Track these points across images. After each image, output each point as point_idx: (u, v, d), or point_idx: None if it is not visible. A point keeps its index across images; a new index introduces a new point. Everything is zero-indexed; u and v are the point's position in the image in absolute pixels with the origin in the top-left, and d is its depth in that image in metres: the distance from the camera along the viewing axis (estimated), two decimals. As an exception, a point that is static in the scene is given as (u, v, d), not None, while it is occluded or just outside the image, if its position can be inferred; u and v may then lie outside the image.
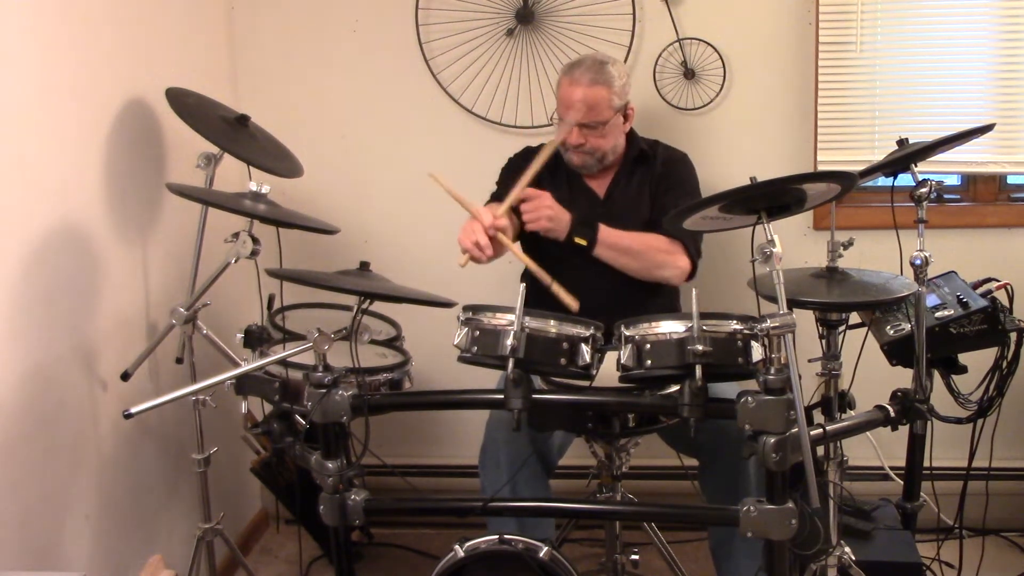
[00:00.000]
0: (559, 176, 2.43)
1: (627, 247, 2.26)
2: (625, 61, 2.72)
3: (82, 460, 2.05)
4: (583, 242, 2.23)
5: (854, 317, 2.20)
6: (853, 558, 2.10)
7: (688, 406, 1.62)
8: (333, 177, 2.87)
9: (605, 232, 2.24)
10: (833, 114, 2.72)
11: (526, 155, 2.51)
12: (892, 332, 2.14)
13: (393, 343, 2.27)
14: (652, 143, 2.49)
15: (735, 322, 1.61)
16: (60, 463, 1.96)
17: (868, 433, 2.71)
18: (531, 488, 2.11)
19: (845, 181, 1.63)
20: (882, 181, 2.20)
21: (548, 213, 2.19)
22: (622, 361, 1.66)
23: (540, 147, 2.41)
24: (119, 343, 2.18)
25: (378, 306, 1.90)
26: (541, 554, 1.73)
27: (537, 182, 2.38)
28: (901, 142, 2.18)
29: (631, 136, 2.44)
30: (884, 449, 2.79)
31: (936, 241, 2.16)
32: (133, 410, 1.77)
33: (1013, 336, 2.17)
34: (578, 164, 2.39)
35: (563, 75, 2.35)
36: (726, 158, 2.76)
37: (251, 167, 2.21)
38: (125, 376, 2.15)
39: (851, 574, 2.09)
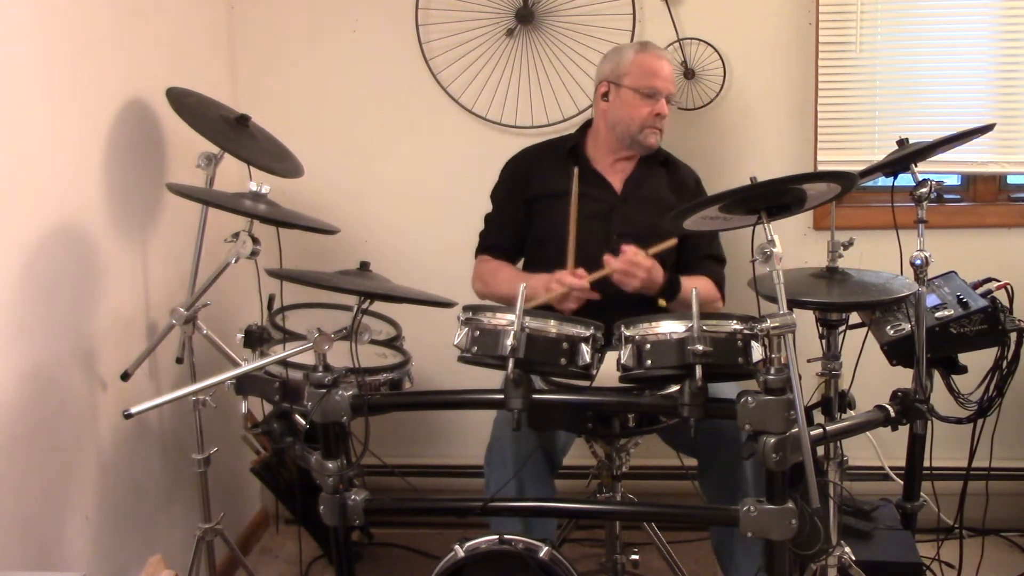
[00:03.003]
0: (570, 166, 2.38)
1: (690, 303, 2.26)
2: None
3: (82, 460, 2.05)
4: (663, 303, 2.23)
5: (854, 317, 2.20)
6: (853, 558, 2.10)
7: (688, 406, 1.62)
8: (333, 177, 2.87)
9: (682, 292, 2.25)
10: (833, 114, 2.72)
11: (523, 156, 2.50)
12: (892, 332, 2.14)
13: (393, 343, 2.27)
14: (665, 152, 2.50)
15: (735, 322, 1.61)
16: (60, 463, 1.96)
17: (868, 433, 2.71)
18: (536, 486, 2.11)
19: (845, 181, 1.63)
20: (882, 181, 2.20)
21: (644, 276, 2.16)
22: (622, 361, 1.66)
23: (538, 146, 2.42)
24: (119, 343, 2.18)
25: (378, 306, 1.90)
26: (541, 554, 1.73)
27: (549, 173, 2.38)
28: (901, 142, 2.18)
29: None
30: (884, 449, 2.79)
31: (936, 241, 2.16)
32: (133, 410, 1.77)
33: (1013, 336, 2.16)
34: (652, 145, 2.40)
35: (640, 52, 2.38)
36: (726, 158, 2.76)
37: (251, 167, 2.21)
38: (125, 376, 2.15)
39: (851, 574, 2.09)
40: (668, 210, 2.27)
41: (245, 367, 1.92)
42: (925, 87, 2.70)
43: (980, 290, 2.20)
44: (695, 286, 2.23)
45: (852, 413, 2.06)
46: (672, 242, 2.18)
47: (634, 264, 2.15)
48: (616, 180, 2.43)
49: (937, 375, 2.21)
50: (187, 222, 2.31)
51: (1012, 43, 2.66)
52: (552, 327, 1.67)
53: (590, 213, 2.36)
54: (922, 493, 2.37)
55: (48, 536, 1.92)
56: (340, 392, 1.75)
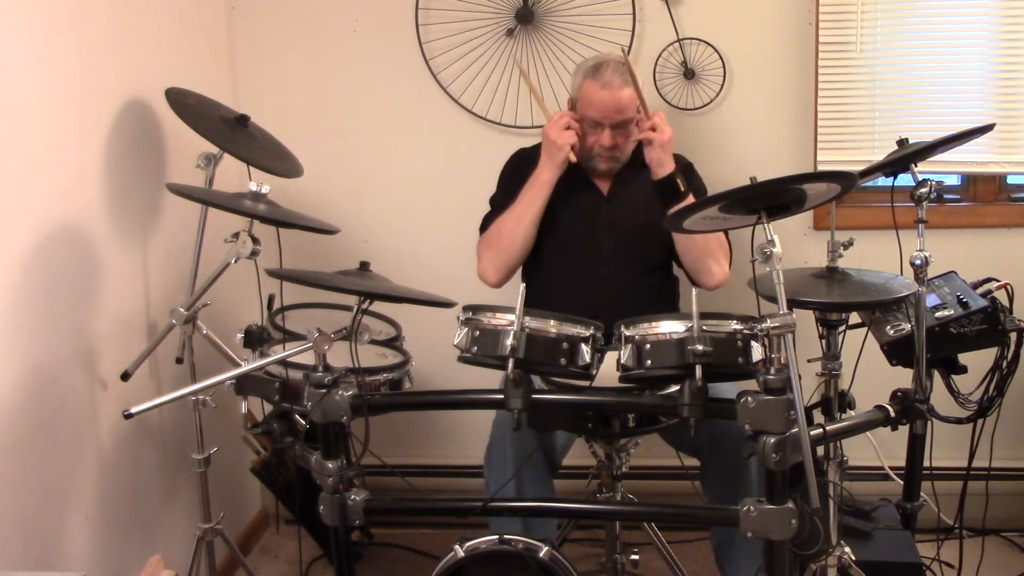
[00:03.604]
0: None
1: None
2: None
3: (82, 460, 2.05)
4: (682, 187, 2.26)
5: (854, 317, 2.20)
6: (853, 558, 2.10)
7: (688, 406, 1.62)
8: (333, 177, 2.87)
9: (691, 198, 2.27)
10: (833, 114, 2.72)
11: (520, 157, 2.50)
12: (892, 332, 2.14)
13: (393, 343, 2.27)
14: None
15: (735, 322, 1.61)
16: (60, 463, 1.96)
17: (868, 433, 2.71)
18: (535, 486, 2.11)
19: (845, 181, 1.63)
20: (882, 181, 2.20)
21: (670, 133, 2.28)
22: (622, 361, 1.66)
23: (535, 148, 2.42)
24: (119, 343, 2.18)
25: (378, 306, 1.90)
26: (541, 554, 1.73)
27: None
28: (901, 142, 2.18)
29: None
30: (884, 449, 2.79)
31: (936, 241, 2.16)
32: (133, 410, 1.77)
33: (1013, 336, 2.17)
34: (604, 170, 2.38)
35: (588, 78, 2.30)
36: (726, 158, 2.76)
37: (251, 167, 2.21)
38: (125, 376, 2.15)
39: (851, 574, 2.09)
40: (655, 208, 2.29)
41: (245, 367, 1.93)
42: (925, 87, 2.69)
43: (980, 290, 2.20)
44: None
45: (852, 413, 2.06)
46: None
47: (662, 120, 2.28)
48: (602, 183, 2.43)
49: (937, 375, 2.21)
50: (187, 222, 2.31)
51: (1012, 43, 2.65)
52: (552, 327, 1.67)
53: (578, 215, 2.36)
54: (922, 493, 2.37)
55: (48, 536, 1.92)
56: (340, 392, 1.75)
